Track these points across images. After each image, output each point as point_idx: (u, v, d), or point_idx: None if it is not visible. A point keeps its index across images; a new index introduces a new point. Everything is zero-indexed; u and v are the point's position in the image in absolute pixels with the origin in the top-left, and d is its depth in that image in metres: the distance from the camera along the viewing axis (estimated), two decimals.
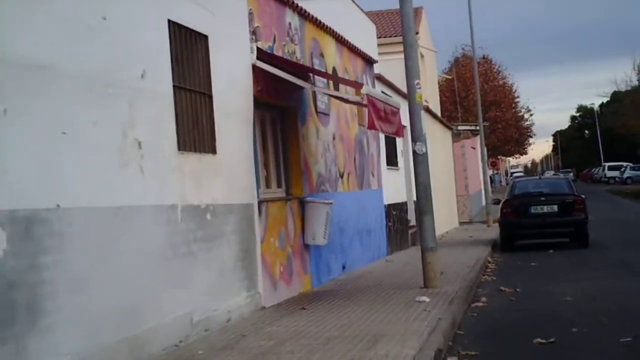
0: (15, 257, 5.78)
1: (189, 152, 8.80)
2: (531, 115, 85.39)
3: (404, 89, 17.76)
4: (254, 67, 10.83)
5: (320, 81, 13.69)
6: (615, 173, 72.68)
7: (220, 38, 9.89)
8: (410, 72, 11.85)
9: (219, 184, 9.50)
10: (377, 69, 19.57)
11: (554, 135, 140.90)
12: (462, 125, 48.23)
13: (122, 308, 7.15)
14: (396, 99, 13.65)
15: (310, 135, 13.36)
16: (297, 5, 12.98)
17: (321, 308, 10.35)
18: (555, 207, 19.86)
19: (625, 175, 70.06)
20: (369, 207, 17.53)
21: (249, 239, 10.31)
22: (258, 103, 11.53)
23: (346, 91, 14.97)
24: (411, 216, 22.43)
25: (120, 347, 7.04)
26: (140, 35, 7.93)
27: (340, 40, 15.83)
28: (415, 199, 22.22)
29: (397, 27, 31.69)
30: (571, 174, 75.58)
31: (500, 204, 21.10)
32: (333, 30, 15.20)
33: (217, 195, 9.37)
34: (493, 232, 26.56)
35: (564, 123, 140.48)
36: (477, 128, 47.05)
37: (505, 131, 77.96)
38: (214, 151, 9.43)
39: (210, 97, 9.48)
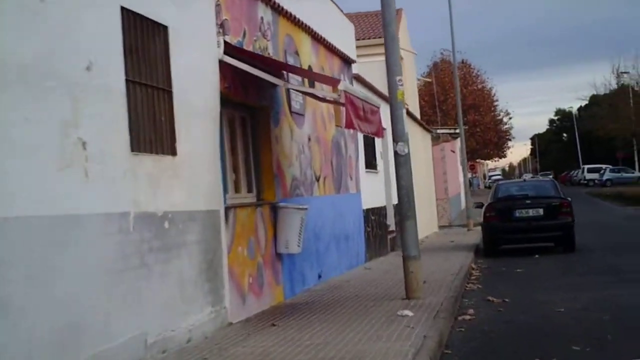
0: None
1: (144, 153, 7.90)
2: (510, 118, 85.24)
3: (384, 91, 17.02)
4: (221, 62, 9.95)
5: (294, 79, 12.83)
6: (595, 175, 72.28)
7: (182, 29, 9.00)
8: (392, 68, 11.00)
9: (180, 189, 8.60)
10: (355, 70, 18.73)
11: (532, 139, 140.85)
12: (441, 129, 47.67)
13: (61, 332, 6.23)
14: (376, 100, 12.84)
15: (283, 137, 12.49)
16: None
17: (294, 324, 9.46)
18: (541, 211, 19.08)
19: (605, 177, 69.67)
20: (347, 212, 16.68)
21: (214, 248, 9.41)
22: (226, 101, 10.65)
23: (322, 89, 14.11)
24: (390, 221, 21.63)
25: None
26: (86, 22, 7.02)
27: (316, 38, 14.98)
28: (394, 203, 21.72)
29: (377, 29, 30.97)
30: (550, 176, 75.01)
31: (484, 208, 20.29)
32: (309, 27, 14.33)
33: (177, 201, 8.47)
34: (474, 236, 25.84)
35: (542, 127, 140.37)
36: (457, 131, 46.51)
37: (484, 134, 77.66)
38: (173, 152, 8.53)
39: (170, 93, 8.58)
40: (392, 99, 10.99)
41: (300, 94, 13.33)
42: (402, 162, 11.08)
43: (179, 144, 8.64)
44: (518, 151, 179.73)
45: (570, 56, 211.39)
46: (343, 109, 11.12)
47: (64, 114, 6.53)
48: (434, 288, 11.96)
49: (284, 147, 12.47)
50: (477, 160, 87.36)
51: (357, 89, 11.01)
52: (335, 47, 16.23)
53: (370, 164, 19.97)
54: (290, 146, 12.80)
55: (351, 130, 17.20)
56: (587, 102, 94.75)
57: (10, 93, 5.87)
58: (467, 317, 10.07)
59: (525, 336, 8.70)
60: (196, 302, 8.82)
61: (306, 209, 11.93)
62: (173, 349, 8.03)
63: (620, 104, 77.10)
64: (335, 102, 12.80)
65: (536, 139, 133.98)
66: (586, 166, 77.27)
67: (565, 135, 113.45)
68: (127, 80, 7.64)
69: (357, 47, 22.28)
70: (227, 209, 9.93)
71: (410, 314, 9.40)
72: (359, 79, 18.52)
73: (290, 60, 12.91)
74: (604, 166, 73.58)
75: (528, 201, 19.40)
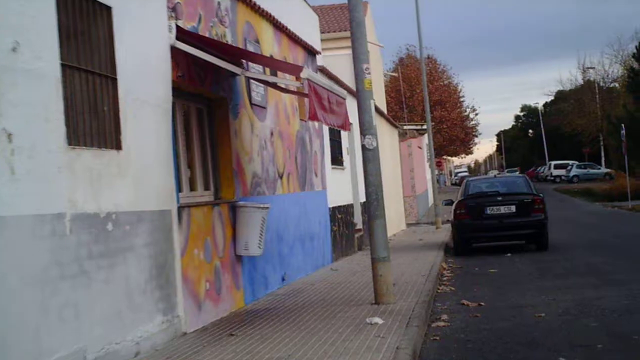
0: None
1: (83, 147, 7.06)
2: (476, 114, 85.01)
3: (351, 85, 16.27)
4: (173, 48, 9.11)
5: (255, 69, 12.02)
6: (562, 172, 72.03)
7: (129, 11, 8.15)
8: (358, 55, 10.22)
9: (125, 187, 7.77)
10: (320, 64, 17.94)
11: (498, 135, 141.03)
12: (407, 125, 47.11)
13: None
14: (342, 91, 12.06)
15: (243, 131, 11.68)
16: None
17: (254, 333, 8.66)
18: (513, 208, 18.42)
19: (572, 173, 69.44)
20: (312, 211, 15.90)
21: (165, 252, 8.58)
22: (180, 91, 9.84)
23: (286, 85, 13.30)
24: (358, 219, 20.89)
25: None
26: None
27: (279, 27, 14.16)
28: (362, 200, 20.98)
29: (342, 22, 30.22)
30: (517, 172, 74.77)
31: (454, 205, 19.60)
32: (270, 15, 13.51)
33: (121, 201, 7.64)
34: (443, 234, 25.20)
35: (508, 124, 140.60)
36: (423, 127, 45.95)
37: (451, 131, 77.32)
38: (118, 146, 7.69)
39: (115, 80, 7.74)
40: (358, 88, 10.22)
41: (262, 84, 12.52)
42: (370, 157, 10.31)
43: (125, 137, 7.81)
44: (484, 148, 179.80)
45: (537, 53, 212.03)
46: (307, 100, 10.32)
47: None
48: (404, 291, 11.22)
49: (244, 142, 11.66)
50: (443, 157, 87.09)
51: (322, 79, 10.21)
52: (298, 37, 15.44)
53: (337, 160, 19.21)
54: (251, 141, 12.00)
55: (316, 124, 16.46)
56: (552, 98, 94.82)
57: None
58: (442, 323, 9.31)
59: (507, 346, 7.95)
60: (145, 312, 7.99)
61: (267, 208, 11.13)
62: None
63: (586, 100, 77.15)
64: (298, 93, 12.01)
65: (502, 136, 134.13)
66: (553, 162, 77.05)
67: (531, 131, 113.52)
68: (62, 65, 6.79)
69: (323, 40, 21.54)
70: (181, 209, 9.11)
71: (380, 321, 8.63)
72: (324, 71, 17.74)
73: (251, 49, 12.09)
74: (570, 162, 73.39)
75: (499, 198, 18.72)
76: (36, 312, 6.10)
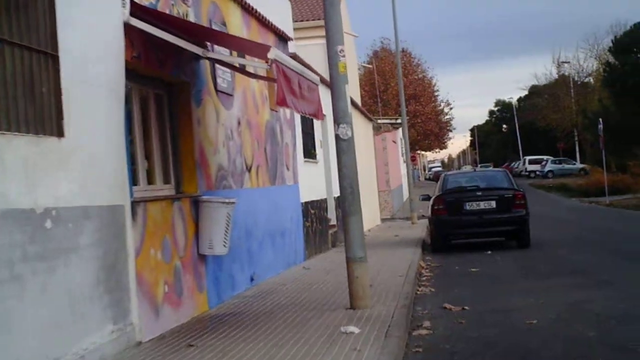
0: None
1: (16, 132, 6.13)
2: (451, 109, 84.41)
3: (325, 75, 15.40)
4: (127, 25, 8.18)
5: (221, 54, 11.10)
6: (536, 167, 71.65)
7: None
8: (332, 36, 9.33)
9: (68, 179, 6.84)
10: (293, 51, 17.05)
11: (472, 130, 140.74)
12: (382, 119, 46.37)
13: None
14: (314, 77, 11.16)
15: (208, 119, 10.77)
16: None
17: (215, 344, 7.76)
18: (493, 203, 17.62)
19: (547, 169, 69.03)
20: (284, 206, 15.02)
21: (116, 252, 7.66)
22: (136, 74, 8.94)
23: (255, 70, 12.41)
24: (331, 215, 20.03)
25: None
26: None
27: (248, 10, 13.25)
28: (336, 195, 20.13)
29: (315, 10, 29.30)
30: (490, 168, 74.26)
31: (431, 200, 18.78)
32: None
33: (63, 195, 6.71)
34: (419, 230, 24.42)
35: (482, 119, 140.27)
36: (398, 121, 45.19)
37: (425, 125, 76.74)
38: (60, 133, 6.76)
39: (56, 58, 6.81)
40: (332, 72, 9.34)
41: (228, 70, 11.62)
42: (344, 148, 9.44)
43: (69, 123, 6.88)
44: (457, 143, 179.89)
45: (512, 48, 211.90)
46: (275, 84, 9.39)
47: None
48: (381, 293, 10.37)
49: (209, 131, 10.75)
50: (417, 152, 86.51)
51: (292, 62, 9.30)
52: (269, 22, 14.53)
53: (309, 153, 18.33)
54: (216, 130, 11.09)
55: (287, 114, 15.57)
56: (526, 93, 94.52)
57: None
58: (424, 331, 8.44)
59: (498, 358, 7.12)
60: (91, 320, 7.08)
61: (233, 203, 10.23)
62: None
63: (561, 94, 76.85)
64: (267, 78, 11.11)
65: (475, 131, 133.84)
66: (527, 157, 76.68)
67: (505, 126, 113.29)
68: None
69: (295, 29, 20.69)
70: (135, 204, 8.19)
71: (356, 330, 7.77)
72: (296, 59, 16.79)
73: None
74: (545, 157, 73.06)
75: (479, 193, 17.91)
76: None
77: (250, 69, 11.88)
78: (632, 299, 9.70)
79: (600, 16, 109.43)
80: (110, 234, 7.58)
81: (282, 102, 8.29)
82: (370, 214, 26.92)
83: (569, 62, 79.13)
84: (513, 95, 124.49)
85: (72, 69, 7.01)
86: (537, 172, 70.19)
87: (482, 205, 17.60)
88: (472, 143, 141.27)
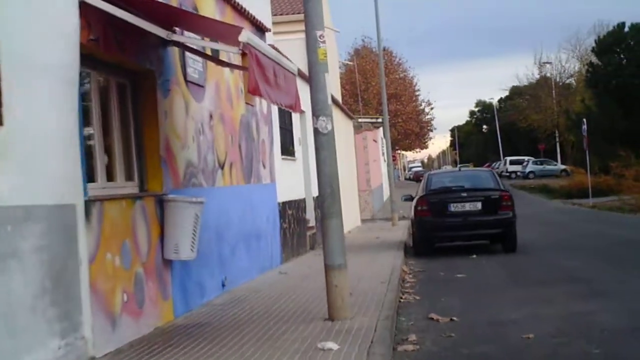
0: None
1: None
2: (432, 109, 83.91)
3: (305, 70, 14.58)
4: (82, 3, 7.31)
5: (189, 37, 10.25)
6: (517, 167, 71.14)
7: None
8: (311, 20, 8.50)
9: (8, 174, 5.97)
10: (271, 42, 16.20)
11: (452, 131, 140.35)
12: (362, 117, 45.68)
13: None
14: (292, 66, 10.29)
15: (176, 111, 9.91)
16: None
17: (178, 359, 6.93)
18: (479, 205, 16.83)
19: (528, 169, 68.55)
20: (259, 206, 14.17)
21: (65, 258, 6.80)
22: (95, 60, 8.08)
23: (229, 58, 11.56)
24: (310, 216, 19.21)
25: None
26: None
27: None
28: (314, 195, 19.28)
29: (295, 4, 28.45)
30: (469, 168, 73.68)
31: (414, 201, 17.98)
32: None
33: (3, 192, 5.85)
34: (401, 231, 23.65)
35: (463, 119, 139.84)
36: (379, 120, 44.49)
37: (406, 124, 76.25)
38: None
39: None
40: (311, 59, 8.50)
41: (200, 59, 10.77)
42: (324, 143, 8.61)
43: (9, 111, 6.01)
44: (437, 143, 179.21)
45: (493, 49, 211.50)
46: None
47: None
48: (362, 302, 9.55)
49: (176, 125, 9.89)
50: (397, 151, 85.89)
51: (267, 48, 8.45)
52: (245, 10, 13.69)
53: (288, 150, 17.50)
54: (185, 124, 10.23)
55: (264, 109, 14.73)
56: (507, 94, 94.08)
57: None
58: (410, 347, 7.61)
59: None
60: (34, 335, 6.21)
61: (202, 202, 9.38)
62: None
63: (543, 95, 76.42)
64: (242, 68, 10.26)
65: (456, 131, 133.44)
66: (508, 158, 76.19)
67: (485, 127, 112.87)
68: None
69: (274, 23, 19.86)
70: (90, 203, 7.32)
71: (334, 347, 6.94)
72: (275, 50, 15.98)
73: None
74: (526, 158, 72.57)
75: (464, 194, 17.11)
76: None
77: (223, 57, 11.02)
78: (636, 313, 8.90)
79: (583, 16, 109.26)
80: (58, 238, 6.72)
81: (254, 91, 7.44)
82: (350, 215, 26.15)
83: (550, 63, 78.77)
84: (494, 95, 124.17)
85: (13, 50, 6.14)
86: (518, 173, 69.69)
87: (468, 206, 16.82)
88: (452, 143, 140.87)
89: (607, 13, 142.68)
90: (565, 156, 72.54)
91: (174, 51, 9.91)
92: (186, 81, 10.34)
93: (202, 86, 10.98)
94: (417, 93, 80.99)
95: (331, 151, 8.66)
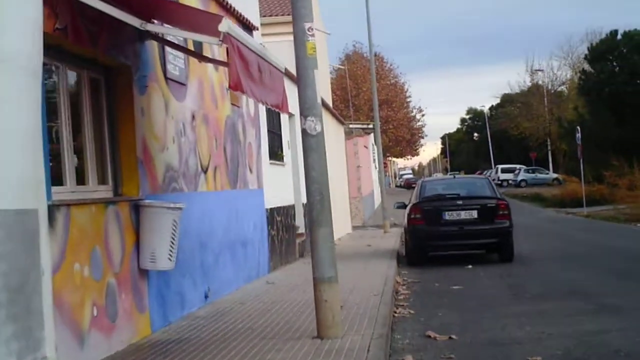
0: None
1: None
2: (423, 115, 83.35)
3: (293, 71, 13.86)
4: None
5: (164, 27, 9.57)
6: (509, 175, 70.59)
7: None
8: (299, 11, 7.83)
9: None
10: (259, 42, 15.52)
11: (443, 138, 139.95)
12: (353, 123, 45.07)
13: None
14: (279, 63, 9.59)
15: (154, 110, 9.22)
16: None
17: None
18: (475, 213, 16.19)
19: (520, 178, 68.04)
20: (246, 212, 13.49)
21: (25, 268, 6.05)
22: (64, 52, 7.41)
23: (213, 54, 10.90)
24: (300, 222, 18.51)
25: None
26: None
27: None
28: (304, 201, 18.59)
29: (285, 5, 27.76)
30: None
31: (407, 209, 17.31)
32: None
33: None
34: (392, 239, 22.99)
35: (454, 127, 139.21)
36: (370, 126, 43.85)
37: (397, 131, 75.69)
38: None
39: None
40: (299, 54, 7.82)
41: (182, 55, 10.10)
42: (313, 145, 7.92)
43: None
44: (428, 150, 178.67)
45: (485, 57, 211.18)
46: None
47: None
48: (354, 317, 8.87)
49: (155, 125, 9.20)
50: (388, 158, 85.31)
51: (251, 41, 7.77)
52: (231, 6, 13.02)
53: (276, 155, 16.82)
54: (165, 124, 9.54)
55: (251, 111, 14.07)
56: (499, 101, 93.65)
57: None
58: None
59: None
60: None
61: (180, 208, 8.69)
62: None
63: (534, 103, 76.00)
64: (226, 64, 9.55)
65: (447, 138, 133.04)
66: (500, 166, 75.65)
67: (476, 134, 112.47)
68: None
69: (263, 24, 19.18)
70: (54, 208, 6.63)
71: None
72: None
73: None
74: (518, 166, 72.06)
75: (459, 202, 16.46)
76: None
77: (207, 53, 10.34)
78: None
79: (575, 24, 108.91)
80: (18, 246, 5.99)
81: (236, 87, 6.76)
82: (341, 222, 25.48)
83: (542, 70, 78.35)
84: (485, 103, 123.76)
85: None
86: (510, 181, 69.16)
87: (463, 215, 16.17)
88: (443, 151, 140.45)
89: (599, 22, 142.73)
90: (557, 165, 72.09)
91: (153, 46, 9.24)
92: (166, 78, 9.67)
93: (183, 84, 10.31)
94: (408, 100, 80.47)
95: (320, 154, 7.98)
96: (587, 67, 58.59)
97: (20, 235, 6.01)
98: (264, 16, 23.28)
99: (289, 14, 26.85)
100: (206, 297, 10.87)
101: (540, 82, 79.10)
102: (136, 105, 8.66)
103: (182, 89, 10.25)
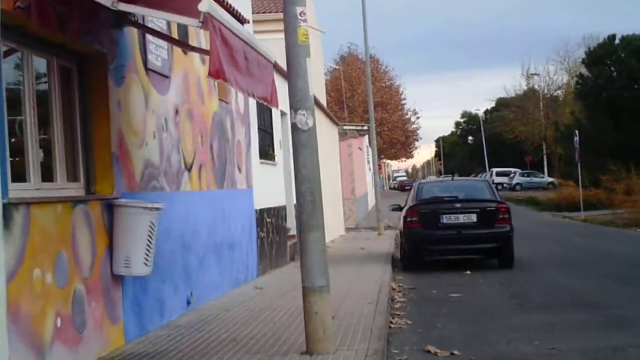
0: None
1: None
2: (418, 118, 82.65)
3: (284, 66, 13.17)
4: None
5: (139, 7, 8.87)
6: (504, 179, 69.85)
7: None
8: None
9: None
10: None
11: (437, 141, 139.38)
12: (348, 125, 44.42)
13: None
14: (269, 53, 8.87)
15: (132, 103, 8.51)
16: None
17: None
18: (474, 217, 15.49)
19: (515, 181, 67.39)
20: (233, 213, 12.78)
21: None
22: (28, 35, 6.70)
23: (199, 43, 10.19)
24: (291, 224, 17.80)
25: None
26: None
27: None
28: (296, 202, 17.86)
29: (279, 1, 27.04)
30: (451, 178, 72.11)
31: (403, 211, 16.61)
32: None
33: None
34: (387, 242, 22.33)
35: (448, 130, 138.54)
36: (364, 128, 43.19)
37: (392, 133, 75.08)
38: None
39: None
40: (290, 41, 7.12)
41: (165, 45, 9.39)
42: (304, 141, 7.20)
43: None
44: (423, 153, 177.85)
45: (480, 61, 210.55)
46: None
47: None
48: (347, 329, 8.16)
49: (133, 118, 8.48)
50: (382, 160, 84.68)
51: (236, 25, 7.06)
52: None
53: (267, 154, 16.11)
54: (144, 118, 8.82)
55: (240, 107, 13.36)
56: (493, 105, 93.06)
57: None
58: None
59: None
60: None
61: (158, 208, 7.96)
62: None
63: (530, 107, 75.45)
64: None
65: (441, 142, 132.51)
66: (495, 169, 74.95)
67: (471, 138, 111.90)
68: None
69: (254, 21, 18.44)
70: (10, 207, 5.90)
71: None
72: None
73: None
74: (513, 170, 71.43)
75: (458, 205, 15.76)
76: None
77: (194, 42, 9.63)
78: None
79: (571, 29, 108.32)
80: None
81: (217, 74, 6.04)
82: (334, 223, 24.81)
83: (538, 75, 77.76)
84: (480, 107, 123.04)
85: None
86: (505, 185, 68.43)
87: (462, 218, 15.48)
88: (438, 154, 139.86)
89: (596, 27, 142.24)
90: (552, 168, 71.52)
91: (132, 33, 8.54)
92: (146, 69, 8.95)
93: (166, 76, 9.60)
94: (403, 102, 79.82)
95: (312, 151, 7.26)
96: (584, 71, 58.01)
97: None
98: (256, 13, 22.57)
99: (281, 11, 26.18)
100: (188, 303, 10.17)
101: (536, 87, 78.57)
102: (112, 97, 7.95)
103: (164, 82, 9.53)
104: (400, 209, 17.53)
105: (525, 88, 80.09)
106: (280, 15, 23.68)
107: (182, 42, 9.60)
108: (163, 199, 8.70)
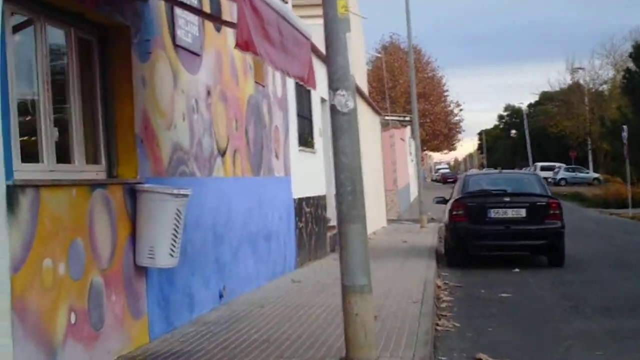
0: None
1: None
2: (461, 110, 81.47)
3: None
4: None
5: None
6: (549, 174, 68.40)
7: None
8: None
9: None
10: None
11: (480, 134, 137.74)
12: (389, 115, 43.61)
13: None
14: (307, 30, 8.19)
15: (159, 81, 7.85)
16: None
17: None
18: (523, 212, 14.65)
19: (559, 176, 66.14)
20: (270, 202, 12.13)
21: None
22: (40, 2, 6.06)
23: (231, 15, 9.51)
24: (332, 214, 17.08)
25: None
26: None
27: None
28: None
29: None
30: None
31: (449, 204, 15.82)
32: None
33: None
34: (430, 235, 21.56)
35: (491, 124, 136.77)
36: (406, 119, 42.35)
37: (434, 125, 74.07)
38: None
39: None
40: (328, 13, 6.35)
41: (196, 20, 8.74)
42: (343, 126, 6.43)
43: None
44: (465, 146, 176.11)
45: (525, 54, 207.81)
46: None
47: None
48: (390, 332, 7.45)
49: (160, 98, 7.83)
50: (425, 152, 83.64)
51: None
52: None
53: (306, 142, 15.43)
54: (172, 97, 8.17)
55: (278, 92, 12.70)
56: (537, 99, 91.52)
57: None
58: None
59: None
60: None
61: (186, 195, 7.30)
62: None
63: (574, 101, 73.92)
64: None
65: (484, 134, 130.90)
66: (539, 164, 73.56)
67: (514, 131, 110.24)
68: None
69: (294, 6, 17.73)
70: (16, 189, 5.28)
71: None
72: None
73: None
74: (557, 164, 70.08)
75: (507, 199, 14.92)
76: None
77: (226, 17, 8.96)
78: None
79: (618, 26, 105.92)
80: None
81: (246, 45, 5.33)
82: (376, 215, 24.10)
83: (583, 69, 76.07)
84: (523, 100, 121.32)
85: None
86: (549, 179, 67.11)
87: (510, 213, 14.66)
88: (480, 147, 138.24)
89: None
90: (597, 164, 70.04)
91: (159, 6, 7.90)
92: (175, 45, 8.29)
93: (197, 54, 8.93)
94: (445, 93, 78.69)
95: (353, 137, 6.48)
96: (631, 65, 56.42)
97: None
98: None
99: None
100: (221, 297, 9.53)
101: (581, 81, 76.95)
102: (135, 73, 7.30)
103: (195, 60, 8.87)
104: (444, 201, 16.75)
105: (570, 82, 78.52)
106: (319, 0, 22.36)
107: (215, 16, 8.93)
108: (193, 185, 8.07)
